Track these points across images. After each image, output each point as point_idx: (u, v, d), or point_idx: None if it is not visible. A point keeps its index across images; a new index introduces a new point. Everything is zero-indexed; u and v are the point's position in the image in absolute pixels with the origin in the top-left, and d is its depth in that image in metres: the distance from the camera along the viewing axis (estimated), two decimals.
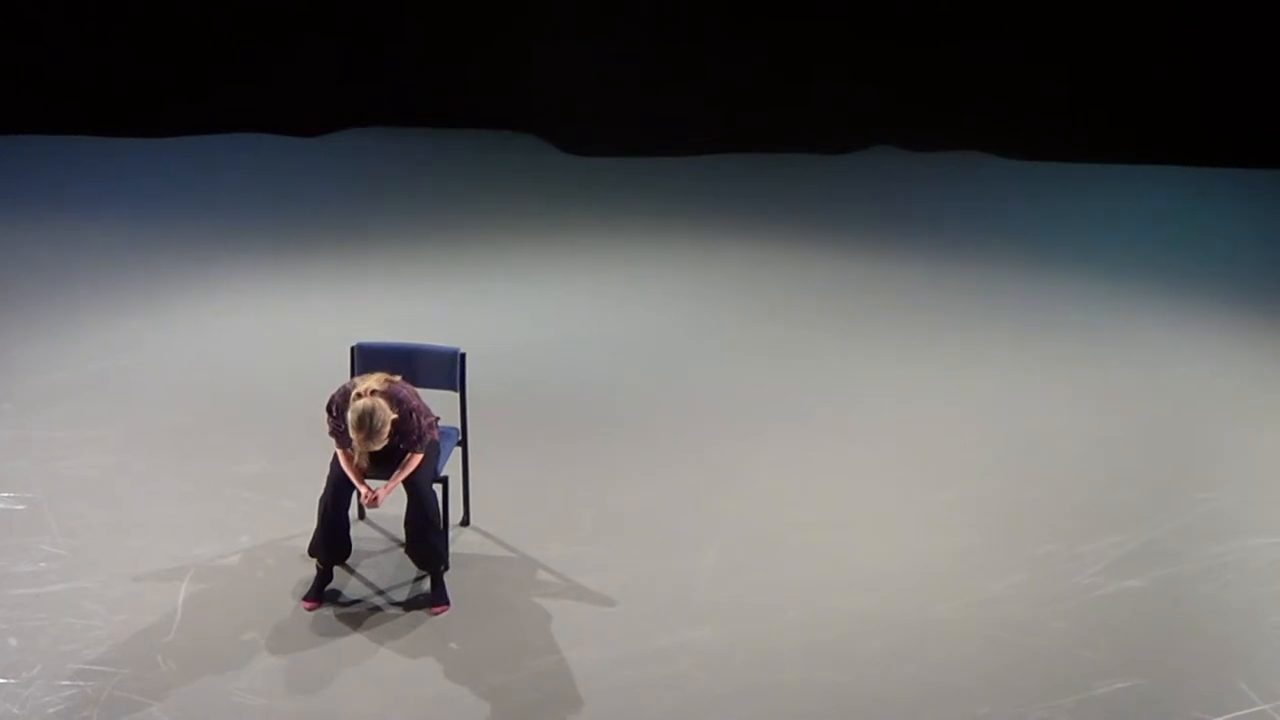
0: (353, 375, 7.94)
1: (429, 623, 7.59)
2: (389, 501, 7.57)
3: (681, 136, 14.70)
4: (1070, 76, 14.43)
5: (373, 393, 7.32)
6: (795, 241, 12.62)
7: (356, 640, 7.43)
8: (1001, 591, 7.90)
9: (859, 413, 9.76)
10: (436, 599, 7.70)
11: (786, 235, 12.76)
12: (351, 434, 7.33)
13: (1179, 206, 13.54)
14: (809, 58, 14.50)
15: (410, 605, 7.72)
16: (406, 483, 7.58)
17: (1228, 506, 8.70)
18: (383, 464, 7.62)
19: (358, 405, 7.31)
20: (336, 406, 7.54)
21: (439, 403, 7.87)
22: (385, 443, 7.38)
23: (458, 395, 8.20)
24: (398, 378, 7.53)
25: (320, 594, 7.69)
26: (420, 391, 7.72)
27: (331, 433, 7.62)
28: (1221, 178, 14.21)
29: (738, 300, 11.50)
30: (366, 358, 8.03)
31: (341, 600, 7.72)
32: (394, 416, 7.38)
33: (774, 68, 14.55)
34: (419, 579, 7.84)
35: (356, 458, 7.51)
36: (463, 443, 8.29)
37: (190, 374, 10.16)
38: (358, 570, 7.96)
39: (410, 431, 7.51)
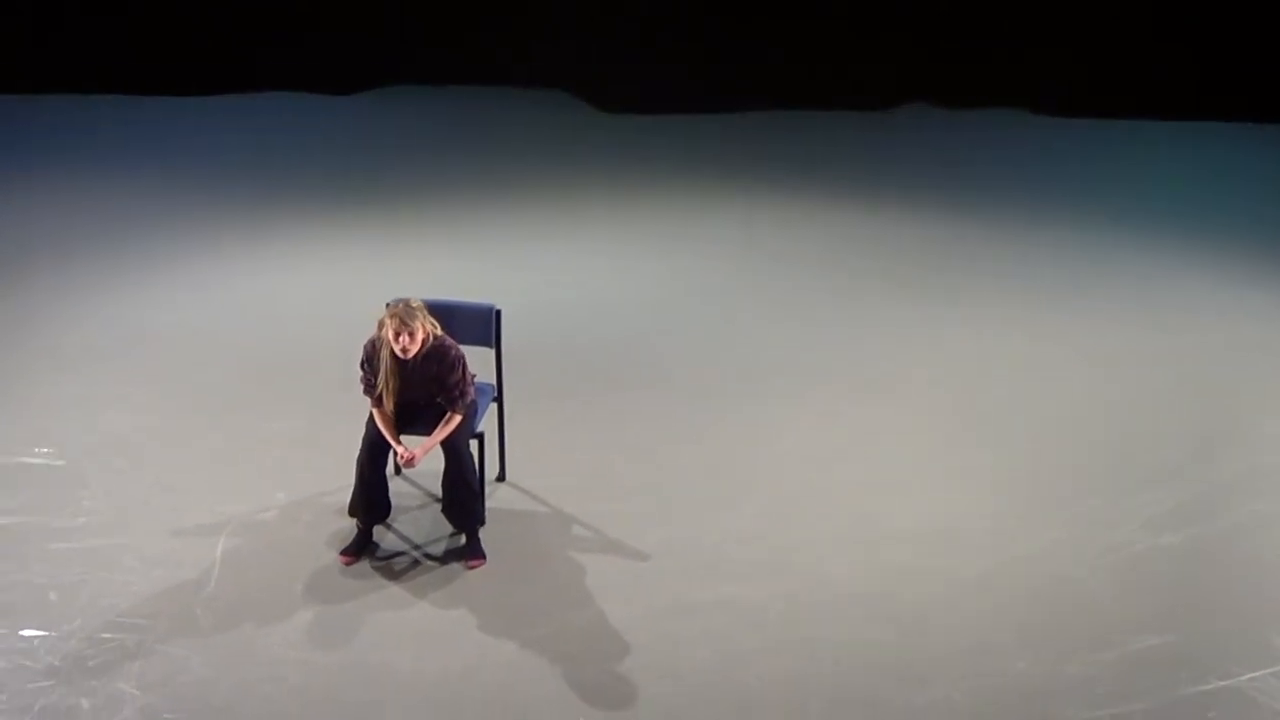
0: None
1: (465, 577, 7.61)
2: (426, 457, 7.58)
3: (715, 94, 14.67)
4: (1107, 32, 14.34)
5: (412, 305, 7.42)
6: (830, 199, 12.60)
7: (393, 593, 7.46)
8: (1038, 548, 7.89)
9: (894, 371, 9.74)
10: (473, 553, 7.72)
11: (821, 193, 12.73)
12: (387, 323, 7.37)
13: (1220, 163, 13.46)
14: (845, 14, 14.44)
15: (446, 559, 7.74)
16: (444, 442, 7.59)
17: (1264, 464, 8.67)
18: (418, 420, 7.64)
19: (400, 300, 7.44)
20: (368, 358, 7.56)
21: (474, 359, 7.87)
22: (415, 348, 7.40)
23: (493, 351, 8.21)
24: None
25: (359, 551, 7.72)
26: None
27: (365, 390, 7.63)
28: (1269, 133, 14.10)
29: (774, 258, 11.48)
30: None
31: (378, 554, 7.75)
32: (433, 331, 7.46)
33: (811, 25, 14.49)
34: (455, 533, 7.86)
35: (384, 399, 7.52)
36: (498, 399, 8.30)
37: (226, 332, 10.20)
38: (394, 525, 7.98)
39: (454, 386, 7.53)
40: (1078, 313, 10.53)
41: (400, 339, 7.35)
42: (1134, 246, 11.61)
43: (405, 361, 7.46)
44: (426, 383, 7.56)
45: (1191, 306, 10.63)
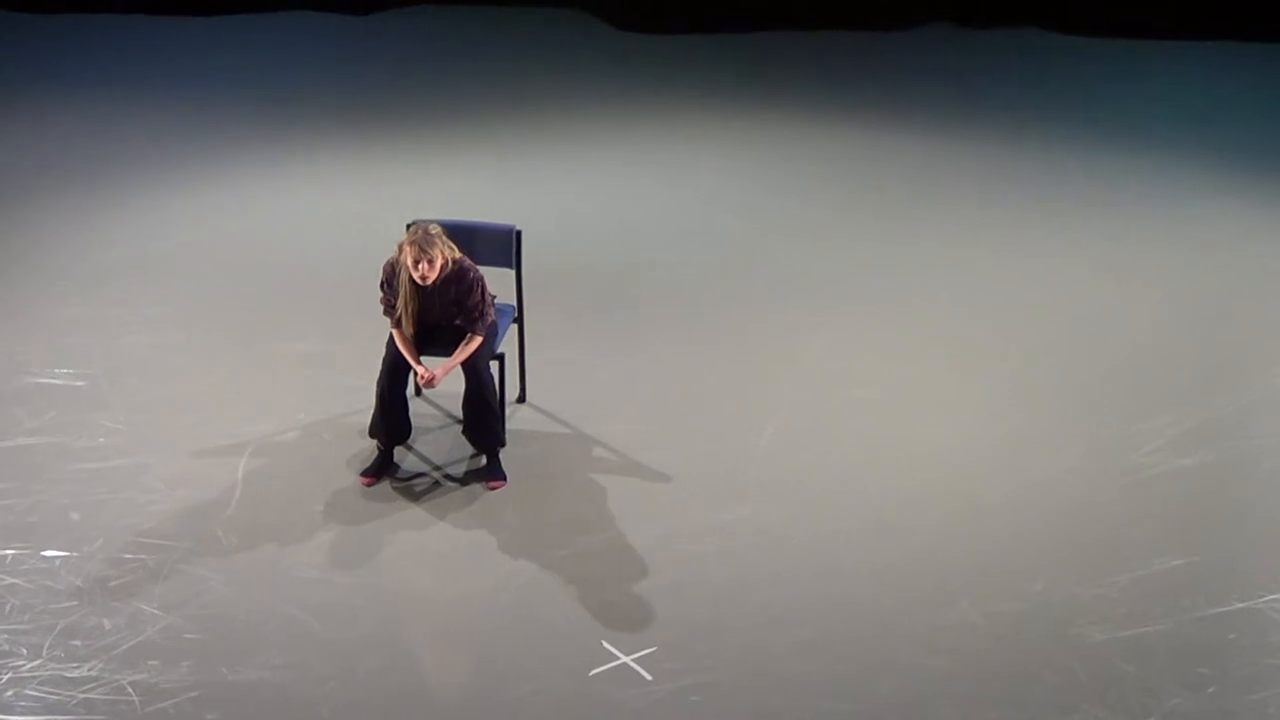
0: None
1: (485, 498, 7.63)
2: (446, 378, 7.59)
3: (734, 14, 14.56)
4: None
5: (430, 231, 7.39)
6: (849, 120, 12.53)
7: (413, 514, 7.48)
8: (1056, 470, 7.88)
9: (913, 294, 9.72)
10: (493, 474, 7.74)
11: (841, 114, 12.66)
12: (406, 250, 7.35)
13: (1241, 85, 13.35)
14: None
15: (467, 480, 7.76)
16: (464, 363, 7.59)
17: None
18: (438, 341, 7.64)
19: (418, 225, 7.42)
20: (387, 280, 7.56)
21: (494, 280, 7.86)
22: (434, 275, 7.38)
23: (513, 272, 8.20)
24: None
25: (379, 472, 7.74)
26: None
27: (385, 311, 7.63)
28: None
29: (793, 180, 11.44)
30: None
31: (398, 475, 7.77)
32: (452, 255, 7.43)
33: None
34: (476, 454, 7.87)
35: (403, 322, 7.51)
36: (519, 320, 8.30)
37: (247, 252, 10.20)
38: (415, 446, 7.99)
39: (473, 308, 7.52)
40: (1097, 233, 10.48)
41: (419, 267, 7.33)
42: (1155, 167, 11.54)
43: (424, 286, 7.45)
44: (446, 306, 7.55)
45: (1212, 227, 10.57)
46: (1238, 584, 6.99)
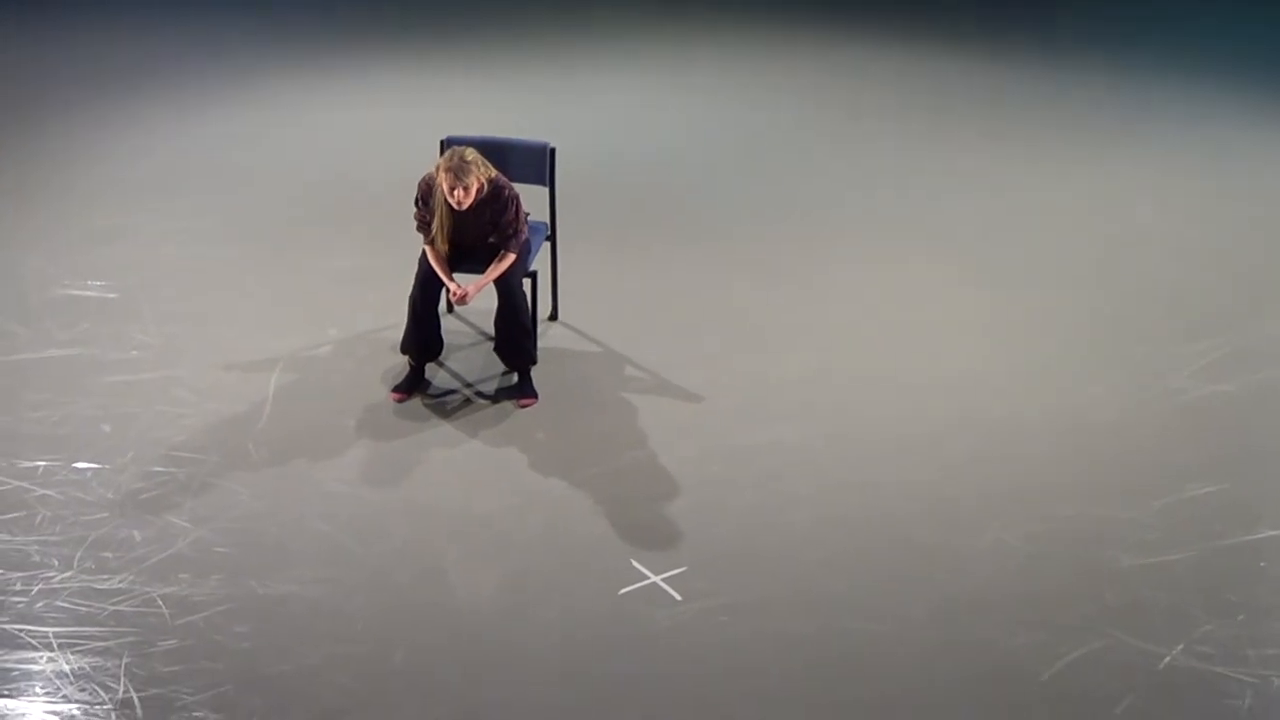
0: None
1: (516, 415, 7.62)
2: (479, 296, 7.57)
3: None
4: None
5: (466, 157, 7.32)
6: (887, 42, 12.43)
7: (444, 431, 7.48)
8: (1091, 394, 7.85)
9: (950, 218, 9.66)
10: (524, 392, 7.73)
11: (878, 36, 12.56)
12: (441, 175, 7.31)
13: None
14: None
15: (498, 398, 7.75)
16: (497, 281, 7.57)
17: None
18: (471, 257, 7.61)
19: (453, 149, 7.35)
20: (422, 197, 7.53)
21: (528, 197, 7.82)
22: (470, 201, 7.34)
23: (547, 190, 8.16)
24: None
25: (411, 388, 7.74)
26: None
27: (419, 227, 7.61)
28: None
29: (833, 102, 11.37)
30: None
31: (430, 392, 7.77)
32: (487, 176, 7.38)
33: None
34: (507, 372, 7.86)
35: (437, 239, 7.49)
36: (552, 238, 8.27)
37: (281, 167, 10.18)
38: (446, 363, 7.99)
39: (507, 225, 7.49)
40: (1131, 158, 10.40)
41: (455, 193, 7.29)
42: (1189, 90, 11.43)
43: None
44: (481, 226, 7.52)
45: (1247, 151, 10.48)
46: (1269, 511, 6.96)
